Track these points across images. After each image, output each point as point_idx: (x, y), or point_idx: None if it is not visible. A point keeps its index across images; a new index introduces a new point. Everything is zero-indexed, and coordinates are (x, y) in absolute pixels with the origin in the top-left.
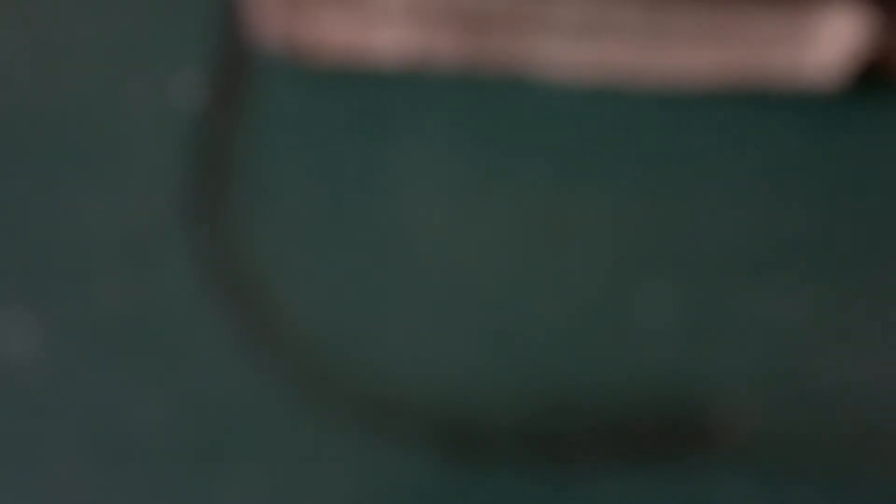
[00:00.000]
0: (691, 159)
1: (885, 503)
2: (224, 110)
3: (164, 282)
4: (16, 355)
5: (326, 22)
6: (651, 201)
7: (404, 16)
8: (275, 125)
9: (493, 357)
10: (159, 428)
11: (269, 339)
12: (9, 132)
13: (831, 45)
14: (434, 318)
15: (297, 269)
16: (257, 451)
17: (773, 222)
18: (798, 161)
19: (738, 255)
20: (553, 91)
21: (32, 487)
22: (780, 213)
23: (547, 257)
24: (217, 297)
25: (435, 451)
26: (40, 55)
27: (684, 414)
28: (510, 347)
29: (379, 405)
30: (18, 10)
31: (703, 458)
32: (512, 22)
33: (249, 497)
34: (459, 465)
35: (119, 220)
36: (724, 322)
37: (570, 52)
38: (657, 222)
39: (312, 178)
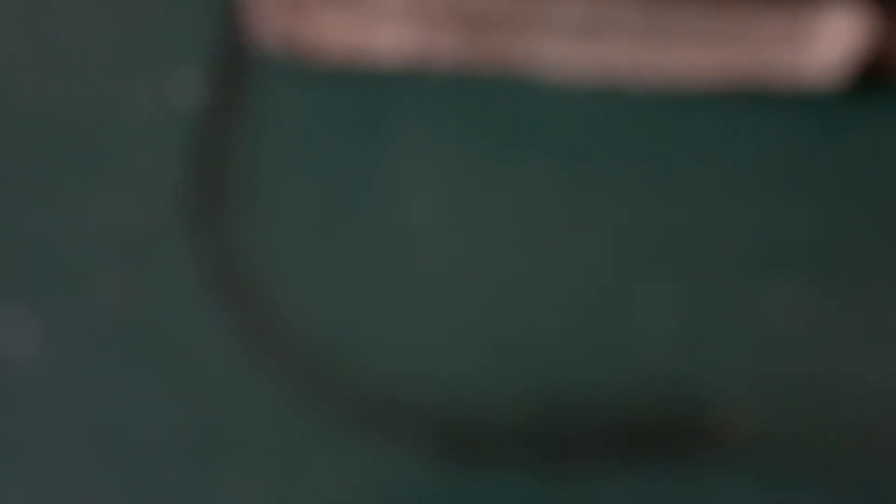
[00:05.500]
0: (691, 159)
1: (885, 503)
2: (224, 110)
3: (164, 282)
4: (16, 355)
5: (327, 22)
6: (651, 201)
7: (404, 16)
8: (275, 125)
9: (493, 357)
10: (159, 428)
11: (269, 340)
12: (8, 132)
13: (831, 45)
14: (434, 318)
15: (298, 269)
16: (257, 451)
17: (774, 222)
18: (798, 161)
19: (738, 256)
20: (553, 91)
21: (32, 487)
22: (780, 213)
23: (547, 257)
24: (217, 297)
25: (435, 451)
26: (40, 55)
27: (684, 414)
28: (510, 347)
29: (379, 405)
30: (18, 9)
31: (704, 458)
32: (512, 22)
33: (249, 497)
34: (459, 465)
35: (119, 220)
36: (724, 322)
37: (570, 52)
38: (657, 222)
39: (312, 178)
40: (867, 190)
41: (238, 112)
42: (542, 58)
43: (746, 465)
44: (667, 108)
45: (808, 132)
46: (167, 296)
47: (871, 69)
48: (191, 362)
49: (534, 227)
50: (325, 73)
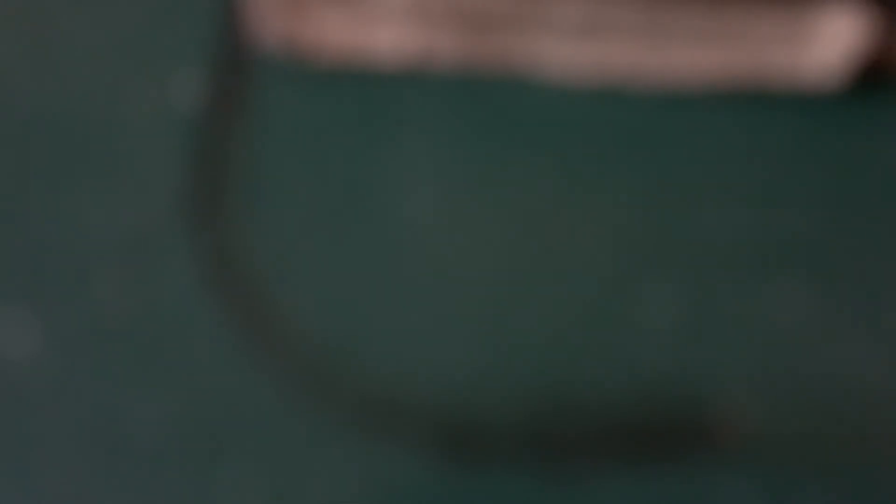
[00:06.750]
0: (691, 159)
1: (885, 503)
2: (224, 110)
3: (164, 282)
4: (16, 355)
5: (327, 22)
6: (651, 201)
7: (404, 15)
8: (275, 125)
9: (493, 356)
10: (159, 428)
11: (269, 339)
12: (8, 132)
13: (831, 45)
14: (434, 318)
15: (298, 269)
16: (257, 451)
17: (773, 222)
18: (798, 161)
19: (738, 255)
20: (553, 91)
21: (32, 487)
22: (780, 213)
23: (547, 257)
24: (217, 297)
25: (435, 451)
26: (40, 55)
27: (685, 414)
28: (510, 347)
29: (379, 405)
30: (18, 10)
31: (704, 458)
32: (512, 22)
33: (249, 497)
34: (459, 465)
35: (119, 220)
36: (724, 322)
37: (570, 52)
38: (657, 222)
39: (312, 178)
40: (867, 190)
41: (238, 112)
42: (542, 58)
43: (746, 465)
44: (667, 108)
45: (808, 132)
46: (167, 296)
47: (871, 69)
48: (191, 362)
49: (534, 226)
50: (325, 73)
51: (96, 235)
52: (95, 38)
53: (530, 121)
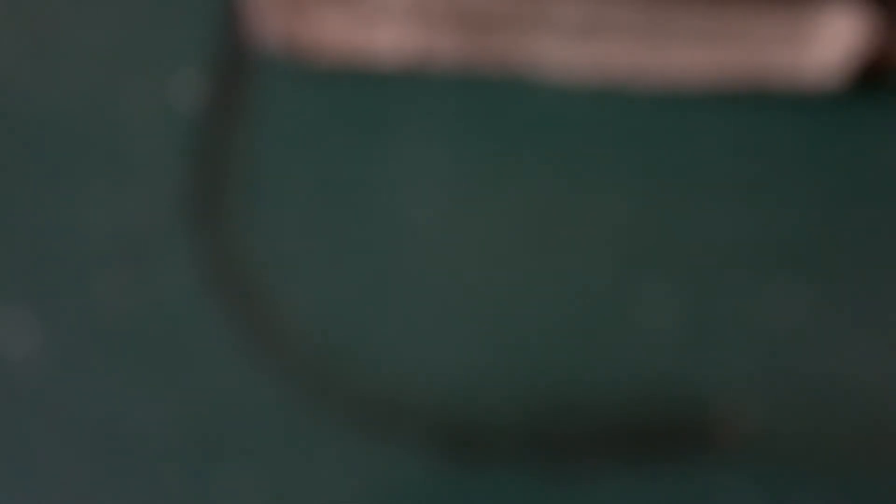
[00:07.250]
0: (691, 159)
1: (885, 503)
2: (224, 110)
3: (164, 282)
4: (16, 355)
5: (326, 22)
6: (651, 201)
7: (404, 15)
8: (275, 125)
9: (493, 357)
10: (159, 428)
11: (269, 339)
12: (8, 132)
13: (831, 45)
14: (434, 319)
15: (298, 269)
16: (257, 451)
17: (773, 222)
18: (798, 161)
19: (738, 255)
20: (553, 91)
21: (32, 487)
22: (780, 213)
23: (547, 257)
24: (217, 296)
25: (435, 451)
26: (40, 55)
27: (684, 414)
28: (510, 347)
29: (379, 405)
30: (18, 10)
31: (704, 458)
32: (512, 22)
33: (249, 497)
34: (459, 465)
35: (119, 220)
36: (724, 322)
37: (570, 52)
38: (657, 222)
39: (312, 178)
40: (867, 190)
41: (238, 112)
42: (542, 58)
43: (746, 465)
44: (667, 108)
45: (808, 132)
46: (167, 296)
47: (871, 69)
48: (191, 362)
49: (534, 227)
50: (325, 73)
51: (96, 235)
52: (95, 38)
53: (530, 121)
